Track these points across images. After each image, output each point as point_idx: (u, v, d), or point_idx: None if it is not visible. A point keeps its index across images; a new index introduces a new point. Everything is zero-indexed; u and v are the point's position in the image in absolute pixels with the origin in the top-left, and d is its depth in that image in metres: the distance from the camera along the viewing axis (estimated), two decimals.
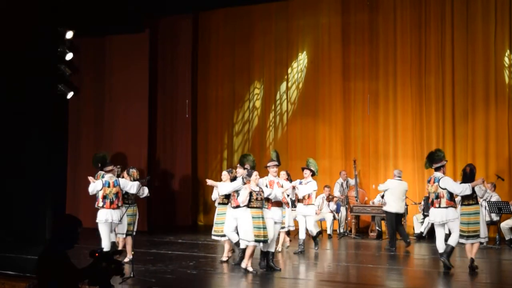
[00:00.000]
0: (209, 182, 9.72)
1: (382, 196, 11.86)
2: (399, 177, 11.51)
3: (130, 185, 9.24)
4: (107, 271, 4.30)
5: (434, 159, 8.88)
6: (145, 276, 8.29)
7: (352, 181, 13.47)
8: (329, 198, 13.22)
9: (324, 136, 14.71)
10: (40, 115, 12.48)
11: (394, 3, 14.05)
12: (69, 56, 13.22)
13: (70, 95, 13.64)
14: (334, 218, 13.15)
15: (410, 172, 13.68)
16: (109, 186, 9.10)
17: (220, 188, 9.40)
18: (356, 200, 13.08)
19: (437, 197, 8.69)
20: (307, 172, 10.59)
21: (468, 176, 8.73)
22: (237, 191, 9.01)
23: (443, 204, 8.65)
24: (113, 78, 14.67)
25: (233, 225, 9.11)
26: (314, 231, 10.82)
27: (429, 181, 8.91)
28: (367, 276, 8.78)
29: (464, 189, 8.55)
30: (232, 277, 8.60)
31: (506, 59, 13.08)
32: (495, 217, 11.66)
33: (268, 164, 9.23)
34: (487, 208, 11.44)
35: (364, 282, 8.43)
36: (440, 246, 8.73)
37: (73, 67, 13.69)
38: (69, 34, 13.08)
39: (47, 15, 12.48)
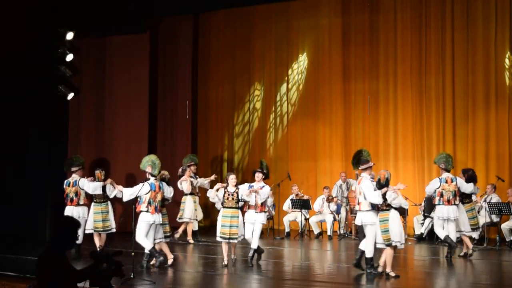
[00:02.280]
0: (118, 187, 9.87)
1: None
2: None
3: (87, 186, 10.25)
4: (108, 272, 4.30)
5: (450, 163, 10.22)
6: (146, 277, 8.29)
7: (353, 182, 13.44)
8: (329, 199, 13.22)
9: (324, 137, 14.70)
10: (41, 115, 12.49)
11: (394, 4, 14.05)
12: (69, 57, 13.23)
13: (70, 96, 13.63)
14: (335, 219, 13.15)
15: (410, 173, 13.68)
16: (69, 186, 10.46)
17: (124, 193, 9.29)
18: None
19: (455, 195, 9.92)
20: (259, 175, 9.63)
21: (474, 178, 10.38)
22: (140, 196, 9.07)
23: (457, 201, 9.98)
24: (113, 79, 14.66)
25: (146, 230, 9.01)
26: (257, 242, 9.55)
27: (446, 181, 9.96)
28: (368, 278, 8.76)
29: (473, 188, 10.32)
30: (232, 278, 8.60)
31: (507, 61, 13.08)
32: (495, 218, 11.65)
33: (364, 166, 8.76)
34: (487, 209, 11.44)
35: (364, 283, 8.42)
36: (454, 236, 9.93)
37: (74, 68, 13.69)
38: (70, 35, 13.08)
39: (48, 16, 12.48)
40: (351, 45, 14.43)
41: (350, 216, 13.23)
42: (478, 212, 11.89)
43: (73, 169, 10.65)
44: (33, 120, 12.31)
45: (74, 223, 4.56)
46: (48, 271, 4.29)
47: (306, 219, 13.31)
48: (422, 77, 13.71)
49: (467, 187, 10.18)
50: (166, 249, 9.37)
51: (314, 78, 14.91)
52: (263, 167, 9.82)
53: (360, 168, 8.85)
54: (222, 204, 9.46)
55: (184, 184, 11.97)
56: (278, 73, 15.35)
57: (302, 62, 15.13)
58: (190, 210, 11.99)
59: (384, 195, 8.18)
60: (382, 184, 8.25)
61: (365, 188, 8.43)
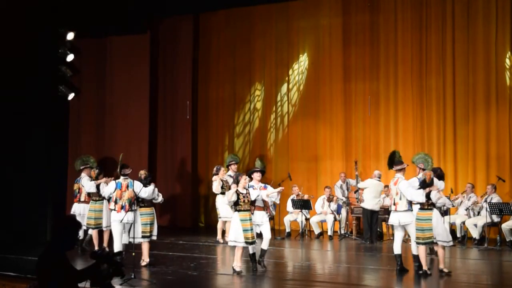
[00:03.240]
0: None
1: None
2: (379, 177, 12.30)
3: (85, 184, 10.89)
4: (108, 272, 4.29)
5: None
6: (146, 277, 8.29)
7: (353, 182, 13.46)
8: (329, 199, 13.21)
9: (325, 137, 14.69)
10: (41, 116, 12.49)
11: (394, 4, 14.04)
12: (70, 57, 13.25)
13: (71, 96, 13.65)
14: (335, 219, 13.13)
15: (411, 174, 13.59)
16: (76, 183, 11.30)
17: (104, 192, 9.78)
18: (357, 202, 13.06)
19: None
20: (260, 175, 9.26)
21: (443, 176, 9.64)
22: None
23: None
24: (114, 79, 14.67)
25: (118, 229, 9.12)
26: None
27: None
28: (368, 278, 8.77)
29: (443, 186, 9.83)
30: (233, 278, 8.59)
31: (507, 61, 13.06)
32: (496, 219, 11.64)
33: (399, 167, 8.97)
34: (488, 209, 11.43)
35: (364, 283, 8.42)
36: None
37: (74, 68, 13.70)
38: (70, 35, 13.10)
39: (48, 16, 12.49)
40: (352, 45, 14.42)
41: (351, 216, 13.22)
42: (479, 212, 11.95)
43: (81, 167, 11.31)
44: (33, 120, 12.30)
45: (74, 224, 4.55)
46: (48, 271, 4.28)
47: (307, 219, 13.29)
48: (423, 77, 13.70)
49: (441, 185, 10.20)
50: (146, 249, 9.27)
51: (314, 78, 14.90)
52: (263, 166, 9.75)
53: (394, 169, 9.02)
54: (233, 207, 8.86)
55: (214, 184, 12.03)
56: (279, 73, 15.34)
57: (302, 62, 15.12)
58: (223, 209, 11.81)
59: (428, 195, 8.38)
60: (427, 184, 8.43)
61: (405, 188, 8.55)
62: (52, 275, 4.26)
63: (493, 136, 13.07)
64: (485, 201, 11.73)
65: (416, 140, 13.69)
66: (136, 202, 9.15)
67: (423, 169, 10.06)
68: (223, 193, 11.79)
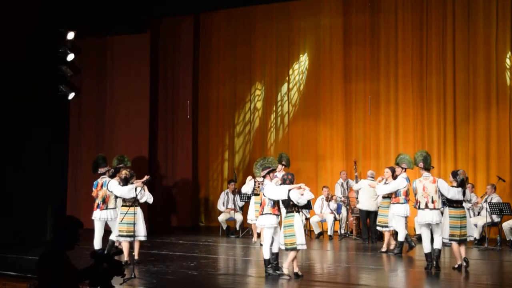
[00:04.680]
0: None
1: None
2: (372, 177, 12.21)
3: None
4: (108, 272, 4.29)
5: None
6: (146, 277, 8.30)
7: (352, 182, 13.45)
8: (328, 198, 13.20)
9: (325, 137, 14.70)
10: (41, 116, 12.49)
11: (395, 4, 14.05)
12: (70, 57, 13.25)
13: (71, 96, 13.65)
14: (335, 219, 13.12)
15: (411, 174, 13.62)
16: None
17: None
18: (357, 201, 13.05)
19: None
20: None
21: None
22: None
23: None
24: (114, 79, 14.67)
25: (98, 226, 9.49)
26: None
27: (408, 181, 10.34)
28: (368, 278, 8.77)
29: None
30: (232, 278, 8.60)
31: (508, 61, 13.07)
32: (496, 218, 11.65)
33: (431, 167, 9.27)
34: (488, 209, 11.43)
35: (365, 284, 8.42)
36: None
37: (75, 68, 13.70)
38: (70, 35, 13.11)
39: (48, 15, 12.49)
40: (352, 45, 14.43)
41: (351, 216, 13.21)
42: (479, 213, 11.99)
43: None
44: (33, 120, 12.31)
45: (75, 223, 4.54)
46: (48, 271, 4.29)
47: (307, 219, 13.28)
48: (423, 77, 13.71)
49: (401, 183, 10.65)
50: (124, 248, 9.15)
51: (315, 78, 14.91)
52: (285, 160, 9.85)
53: (430, 168, 9.22)
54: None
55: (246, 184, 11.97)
56: (279, 73, 15.35)
57: (303, 62, 15.13)
58: (251, 212, 11.89)
59: (463, 193, 8.78)
60: (464, 183, 8.82)
61: (447, 187, 8.82)
62: (52, 275, 4.26)
63: (494, 136, 13.08)
64: (485, 201, 11.74)
65: (416, 140, 13.70)
66: (116, 200, 9.31)
67: (408, 168, 10.50)
68: (255, 194, 11.69)
